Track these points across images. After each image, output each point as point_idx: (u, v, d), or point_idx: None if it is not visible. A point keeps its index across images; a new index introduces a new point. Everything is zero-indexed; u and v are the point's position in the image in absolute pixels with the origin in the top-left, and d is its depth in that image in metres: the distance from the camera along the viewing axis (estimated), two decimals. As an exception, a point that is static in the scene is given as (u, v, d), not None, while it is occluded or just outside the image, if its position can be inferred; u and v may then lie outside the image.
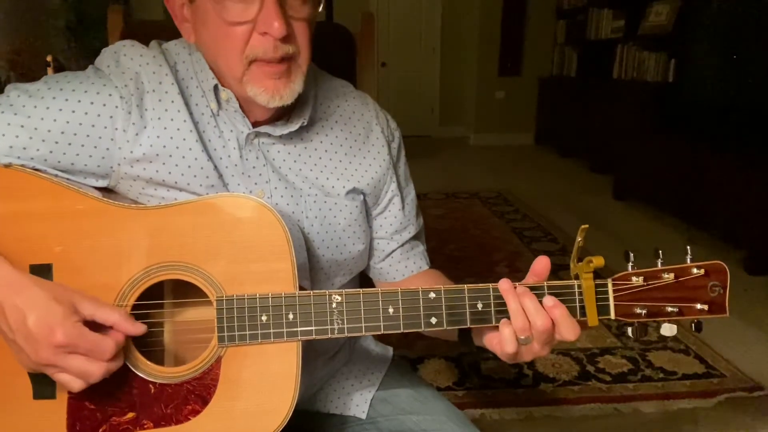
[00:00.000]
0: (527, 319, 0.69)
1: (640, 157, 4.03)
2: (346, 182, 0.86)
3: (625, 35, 4.92)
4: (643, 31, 4.59)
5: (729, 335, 2.20)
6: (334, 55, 1.18)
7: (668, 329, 0.72)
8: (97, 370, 0.64)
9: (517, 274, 3.09)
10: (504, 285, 0.70)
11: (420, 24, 7.03)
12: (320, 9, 0.76)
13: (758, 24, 3.11)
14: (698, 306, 0.71)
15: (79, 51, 4.11)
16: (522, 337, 0.69)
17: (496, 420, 1.75)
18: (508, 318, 0.70)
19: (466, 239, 3.42)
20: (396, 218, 0.92)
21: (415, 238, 0.95)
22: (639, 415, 1.78)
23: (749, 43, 3.16)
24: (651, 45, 4.49)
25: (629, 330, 0.73)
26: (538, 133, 6.74)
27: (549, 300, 0.69)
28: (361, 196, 0.88)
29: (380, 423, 0.90)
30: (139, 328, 0.67)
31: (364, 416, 0.91)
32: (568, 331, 0.69)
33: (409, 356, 2.03)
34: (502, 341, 0.70)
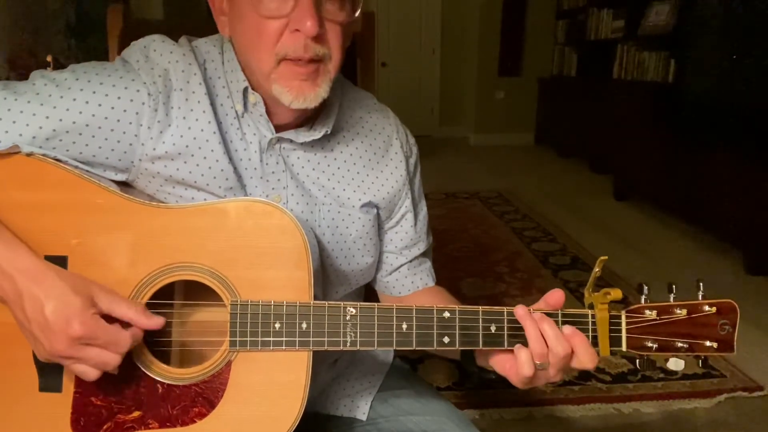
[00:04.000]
0: (546, 344, 0.69)
1: (640, 157, 4.03)
2: (362, 195, 0.86)
3: (625, 35, 4.92)
4: (643, 31, 4.58)
5: (729, 335, 2.20)
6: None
7: (675, 363, 0.73)
8: (112, 360, 0.64)
9: (517, 273, 3.05)
10: (520, 311, 0.71)
11: (420, 24, 7.03)
12: (356, 14, 0.75)
13: (758, 24, 3.11)
14: (707, 343, 0.71)
15: (79, 51, 4.11)
16: (539, 362, 0.70)
17: (496, 420, 1.75)
18: (523, 343, 0.71)
19: (466, 239, 3.42)
20: (407, 234, 0.92)
21: (423, 254, 0.95)
22: (639, 415, 1.78)
23: (749, 43, 3.16)
24: (651, 45, 4.48)
25: (637, 362, 0.73)
26: (538, 133, 6.73)
27: (567, 329, 0.70)
28: (375, 210, 0.87)
29: (381, 424, 0.90)
30: (157, 322, 0.67)
31: (364, 418, 0.91)
32: (587, 359, 0.70)
33: (409, 357, 2.03)
34: (518, 365, 0.70)
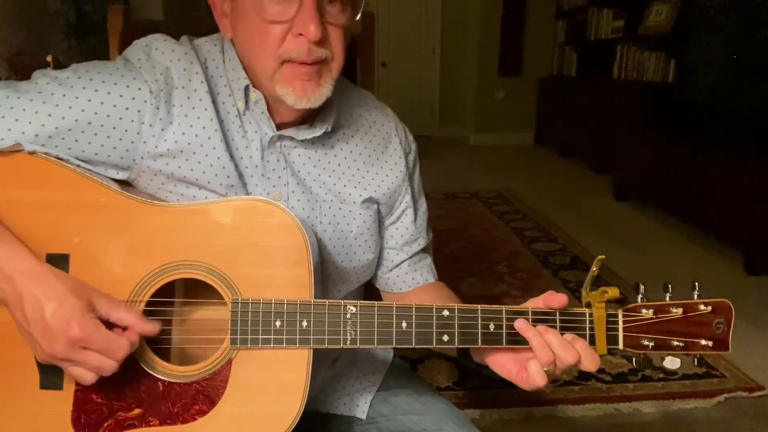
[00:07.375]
0: (552, 352, 0.70)
1: (640, 157, 4.04)
2: (363, 191, 0.86)
3: (625, 35, 4.92)
4: (643, 31, 4.59)
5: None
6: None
7: (671, 362, 0.74)
8: (109, 365, 0.64)
9: (517, 274, 3.04)
10: (520, 324, 0.71)
11: (420, 24, 7.03)
12: (357, 17, 0.77)
13: (758, 24, 3.11)
14: (703, 342, 0.73)
15: (79, 51, 4.11)
16: (547, 369, 0.71)
17: (496, 420, 1.75)
18: (521, 343, 0.72)
19: (466, 239, 3.42)
20: (407, 230, 0.93)
21: (423, 250, 0.96)
22: (639, 415, 1.79)
23: (749, 43, 3.16)
24: (651, 45, 4.49)
25: (633, 360, 0.75)
26: (538, 133, 6.74)
27: (568, 336, 0.71)
28: (376, 206, 0.88)
29: (380, 423, 0.90)
30: (153, 327, 0.68)
31: (364, 416, 0.91)
32: (590, 362, 0.71)
33: (409, 357, 2.03)
34: (531, 376, 0.71)
